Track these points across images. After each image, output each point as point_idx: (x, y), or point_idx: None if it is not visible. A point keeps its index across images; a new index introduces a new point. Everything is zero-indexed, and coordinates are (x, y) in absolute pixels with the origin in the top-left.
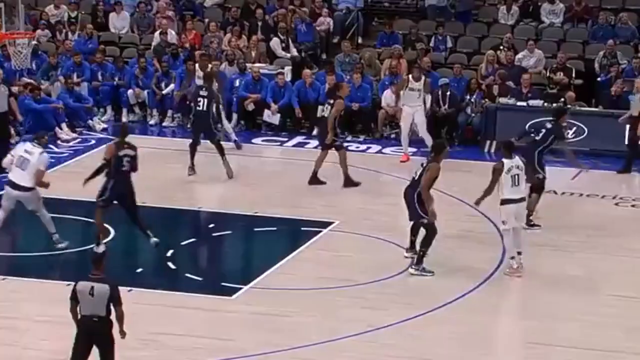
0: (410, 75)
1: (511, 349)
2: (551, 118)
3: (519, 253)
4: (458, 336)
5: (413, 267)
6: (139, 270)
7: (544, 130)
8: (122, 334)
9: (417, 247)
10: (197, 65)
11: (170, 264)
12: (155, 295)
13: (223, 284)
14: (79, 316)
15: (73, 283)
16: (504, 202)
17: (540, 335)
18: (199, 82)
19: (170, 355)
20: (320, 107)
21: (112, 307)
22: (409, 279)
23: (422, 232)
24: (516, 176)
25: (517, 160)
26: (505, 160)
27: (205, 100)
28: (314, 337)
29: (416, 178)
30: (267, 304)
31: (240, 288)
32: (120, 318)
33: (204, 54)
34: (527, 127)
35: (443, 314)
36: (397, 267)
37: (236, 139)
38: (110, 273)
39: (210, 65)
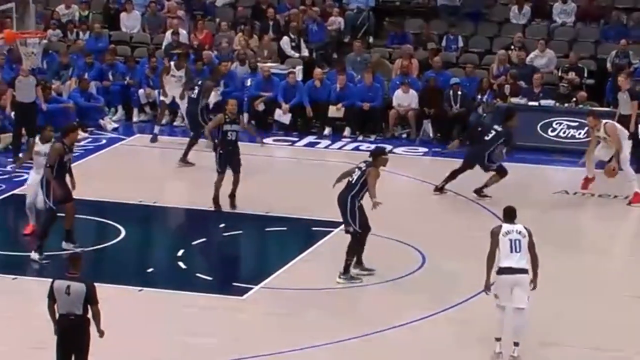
0: None
1: (525, 349)
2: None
3: (516, 344)
4: (470, 337)
5: (341, 277)
6: (150, 270)
7: (492, 132)
8: (100, 333)
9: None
10: (172, 63)
11: (181, 264)
12: (166, 295)
13: (234, 283)
14: (57, 315)
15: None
16: (499, 271)
17: (555, 336)
18: (172, 79)
19: (180, 355)
20: (331, 107)
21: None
22: (420, 279)
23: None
24: (516, 242)
25: (519, 227)
26: (504, 224)
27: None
28: (325, 337)
29: (353, 182)
30: (278, 304)
31: (251, 288)
32: (96, 317)
33: (184, 53)
34: (478, 127)
35: (455, 314)
36: (407, 267)
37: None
38: (120, 272)
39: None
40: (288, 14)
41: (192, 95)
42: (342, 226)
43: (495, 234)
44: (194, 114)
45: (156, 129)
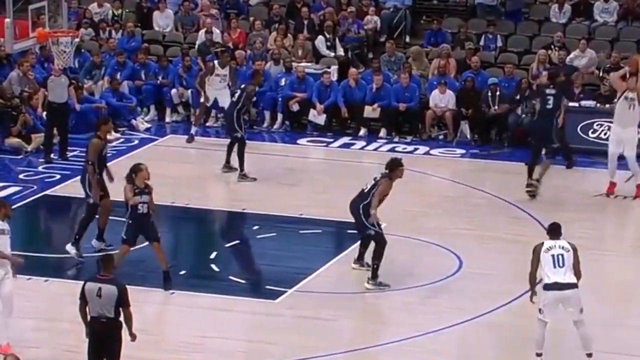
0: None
1: (563, 356)
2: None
3: (589, 355)
4: (505, 342)
5: (369, 282)
6: (182, 272)
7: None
8: (132, 336)
9: (369, 261)
10: (216, 62)
11: (213, 266)
12: (198, 298)
13: (267, 287)
14: (89, 317)
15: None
16: (545, 286)
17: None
18: (217, 79)
19: (212, 359)
20: (367, 107)
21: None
22: (457, 283)
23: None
24: (559, 256)
25: (563, 242)
26: (546, 241)
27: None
28: (359, 341)
29: (365, 190)
30: (312, 308)
31: (285, 291)
32: (128, 320)
33: (224, 50)
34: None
35: (492, 319)
36: (443, 271)
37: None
38: (152, 275)
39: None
40: (323, 12)
41: (233, 99)
42: (386, 229)
43: (536, 252)
44: (231, 117)
45: (193, 130)
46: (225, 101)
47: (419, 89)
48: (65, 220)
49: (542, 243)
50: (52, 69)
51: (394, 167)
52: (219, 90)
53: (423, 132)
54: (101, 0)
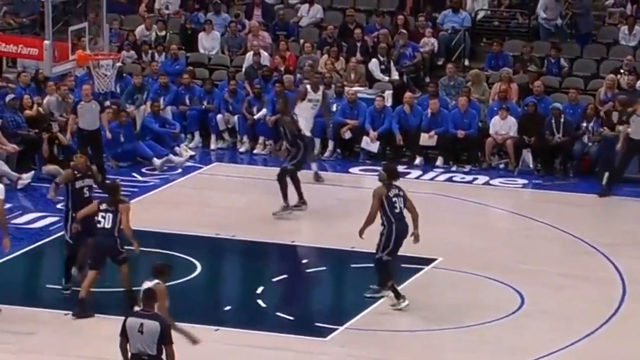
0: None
1: None
2: None
3: None
4: None
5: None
6: (227, 308)
7: None
8: None
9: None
10: (308, 86)
11: (260, 302)
12: (244, 335)
13: (316, 324)
14: (129, 354)
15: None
16: None
17: None
18: (309, 105)
19: None
20: (422, 134)
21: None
22: (515, 321)
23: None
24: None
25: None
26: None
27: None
28: None
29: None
30: (364, 347)
31: (336, 329)
32: (170, 358)
33: (316, 72)
34: None
35: None
36: (503, 308)
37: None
38: (195, 310)
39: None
40: (377, 34)
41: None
42: (434, 263)
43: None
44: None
45: (314, 167)
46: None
47: (479, 115)
48: None
49: None
50: (82, 94)
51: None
52: (308, 119)
53: (483, 160)
54: (149, 23)
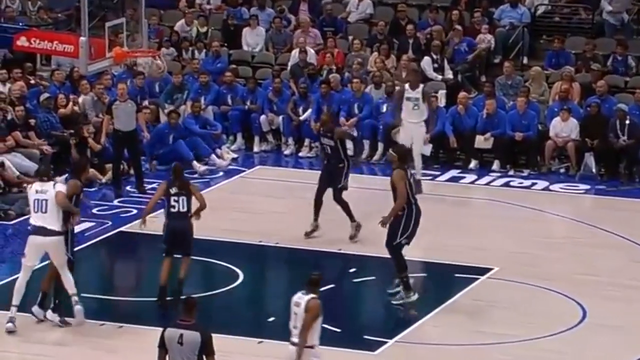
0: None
1: None
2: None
3: None
4: None
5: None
6: (271, 319)
7: None
8: None
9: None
10: (406, 84)
11: None
12: (289, 348)
13: (365, 337)
14: None
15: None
16: None
17: None
18: (409, 105)
19: None
20: (478, 137)
21: (204, 358)
22: (577, 335)
23: None
24: None
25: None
26: None
27: None
28: None
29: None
30: None
31: (385, 342)
32: None
33: (415, 69)
34: None
35: None
36: (564, 321)
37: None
38: (238, 322)
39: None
40: (430, 30)
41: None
42: (490, 273)
43: None
44: None
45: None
46: (418, 141)
47: (538, 117)
48: (142, 260)
49: None
50: (117, 94)
51: (403, 156)
52: (414, 123)
53: (542, 164)
54: (189, 18)
